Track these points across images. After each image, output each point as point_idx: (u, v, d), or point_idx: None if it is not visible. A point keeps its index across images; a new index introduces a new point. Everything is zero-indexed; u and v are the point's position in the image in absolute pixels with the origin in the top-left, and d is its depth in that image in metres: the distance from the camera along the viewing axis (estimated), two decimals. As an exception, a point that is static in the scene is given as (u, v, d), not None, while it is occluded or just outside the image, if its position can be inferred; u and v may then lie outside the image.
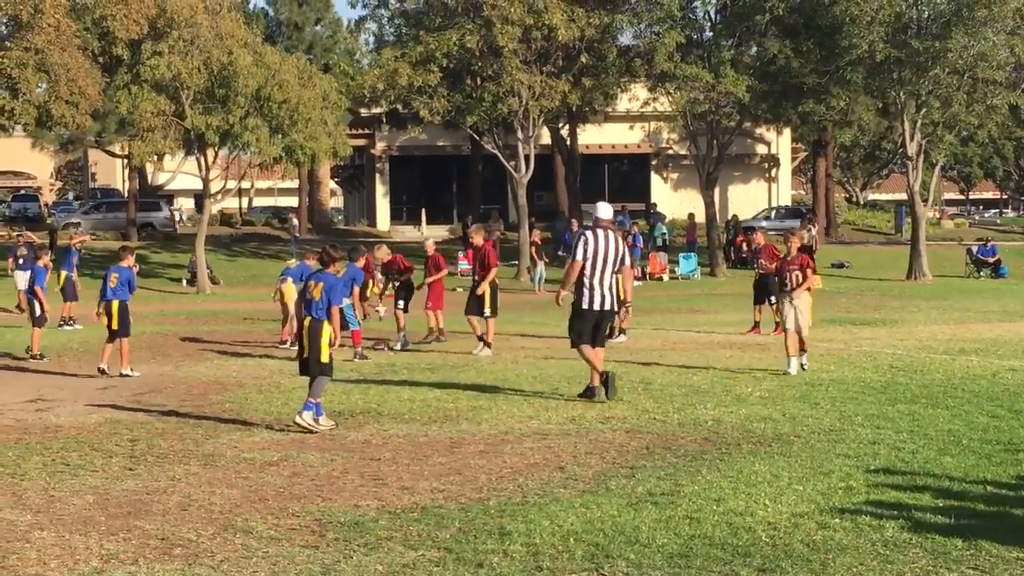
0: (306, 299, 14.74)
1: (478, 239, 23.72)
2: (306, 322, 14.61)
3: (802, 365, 18.91)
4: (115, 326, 20.43)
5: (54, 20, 41.99)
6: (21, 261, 37.34)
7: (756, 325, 25.97)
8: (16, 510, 10.41)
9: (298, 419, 14.14)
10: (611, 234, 16.15)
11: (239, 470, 12.04)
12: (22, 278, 36.95)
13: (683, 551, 8.81)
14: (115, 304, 20.53)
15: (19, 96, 43.01)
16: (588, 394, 16.21)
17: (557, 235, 52.76)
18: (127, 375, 19.92)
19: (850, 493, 10.51)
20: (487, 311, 22.72)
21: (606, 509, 10.01)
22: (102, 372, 20.03)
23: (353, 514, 10.09)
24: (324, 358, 14.42)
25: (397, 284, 24.68)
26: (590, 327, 16.14)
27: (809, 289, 19.24)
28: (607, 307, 16.17)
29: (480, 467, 12.02)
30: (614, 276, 16.20)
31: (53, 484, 11.46)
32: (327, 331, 14.44)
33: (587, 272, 15.93)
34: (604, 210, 16.49)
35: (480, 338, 22.64)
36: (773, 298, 23.65)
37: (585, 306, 16.03)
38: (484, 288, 22.78)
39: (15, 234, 43.67)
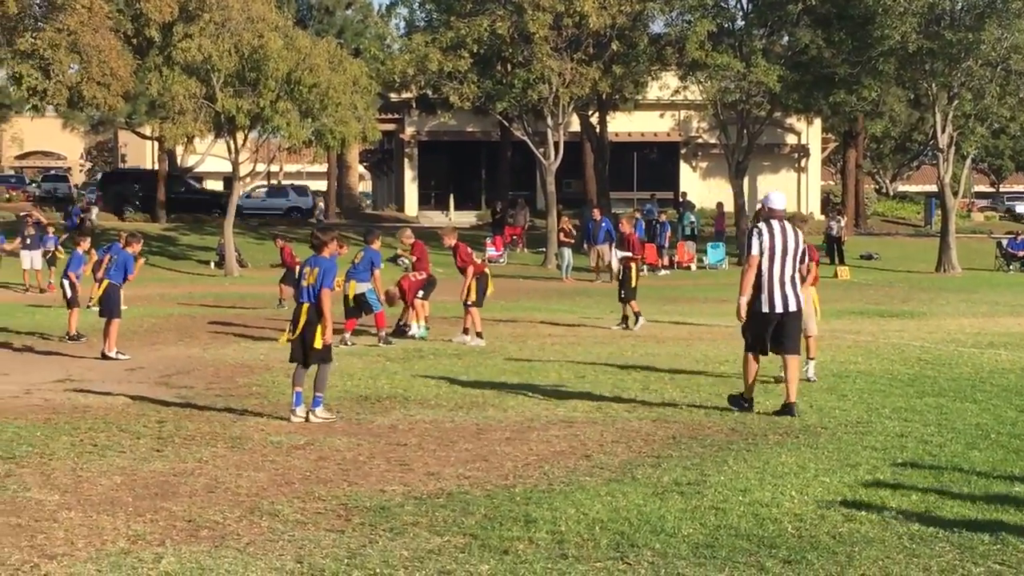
0: (302, 285, 14.48)
1: (450, 240, 23.05)
2: (303, 308, 14.34)
3: (808, 377, 16.86)
4: (98, 305, 20.80)
5: (87, 1, 42.11)
6: (28, 241, 37.52)
7: None
8: (44, 490, 10.46)
9: (312, 418, 14.03)
10: (788, 225, 14.31)
11: (266, 453, 12.08)
12: (27, 257, 37.18)
13: (709, 541, 8.80)
14: (104, 284, 20.90)
15: (51, 77, 43.12)
16: (738, 404, 14.42)
17: (585, 222, 52.71)
18: (111, 357, 19.96)
19: (877, 486, 10.48)
20: (469, 301, 22.42)
21: (632, 498, 10.01)
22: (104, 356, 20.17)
23: (379, 499, 10.11)
24: (318, 344, 14.14)
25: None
26: (766, 333, 14.22)
27: (814, 283, 18.02)
28: (791, 308, 14.15)
29: (506, 454, 12.03)
30: (797, 273, 14.30)
31: (81, 464, 11.51)
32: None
33: (764, 269, 14.08)
34: (778, 199, 14.54)
35: (465, 330, 22.46)
36: None
37: (765, 308, 14.11)
38: (471, 293, 22.43)
39: (22, 214, 43.80)
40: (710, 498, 10.02)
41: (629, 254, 25.59)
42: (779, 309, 14.11)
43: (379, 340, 21.78)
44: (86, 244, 25.50)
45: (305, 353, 14.30)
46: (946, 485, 10.51)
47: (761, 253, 14.07)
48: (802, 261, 14.46)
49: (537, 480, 10.83)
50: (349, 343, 21.75)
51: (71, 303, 23.08)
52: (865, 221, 69.42)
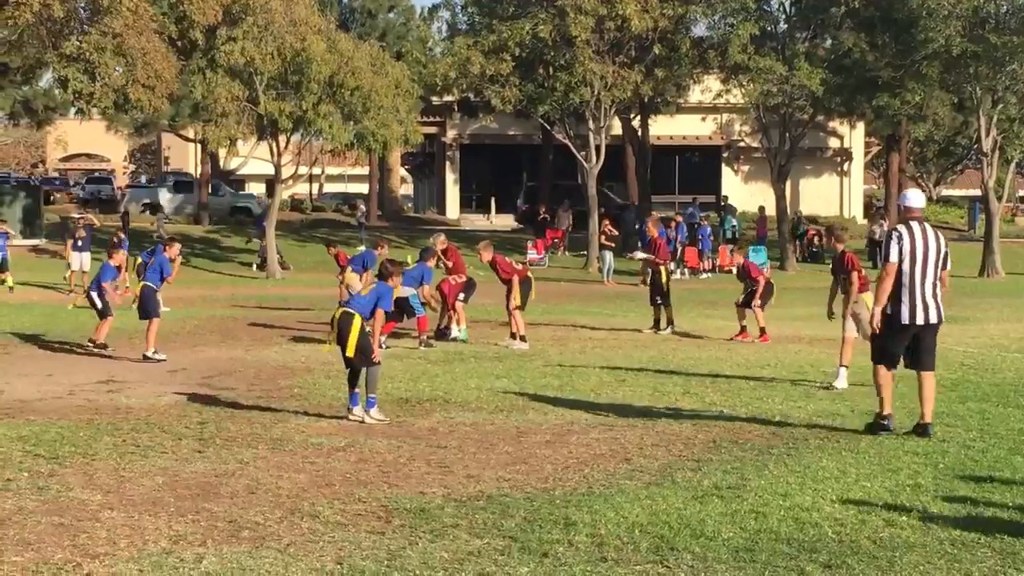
0: (352, 293, 14.89)
1: (487, 256, 23.10)
2: (338, 312, 14.64)
3: (834, 385, 16.77)
4: (136, 306, 21.12)
5: (132, 4, 42.28)
6: (79, 243, 37.76)
7: (743, 330, 24.74)
8: (87, 490, 10.53)
9: (367, 419, 14.15)
10: (928, 227, 13.07)
11: (306, 455, 12.12)
12: (77, 259, 37.38)
13: (749, 545, 8.79)
14: (140, 287, 21.24)
15: (97, 80, 43.34)
16: (879, 428, 13.13)
17: (626, 226, 52.63)
18: (150, 358, 20.08)
19: (918, 491, 10.44)
20: (513, 306, 22.52)
21: (672, 501, 10.00)
22: (146, 358, 20.32)
23: (419, 501, 10.13)
24: (350, 352, 14.34)
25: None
26: (901, 346, 13.09)
27: (863, 289, 17.66)
28: (932, 319, 12.97)
29: (546, 457, 12.04)
30: (939, 280, 13.03)
31: (123, 465, 11.59)
32: (358, 324, 14.33)
33: (905, 276, 12.85)
34: (915, 198, 13.22)
35: (512, 334, 22.54)
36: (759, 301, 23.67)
37: (905, 320, 12.88)
38: (515, 298, 22.60)
39: (76, 216, 44.04)
40: (750, 502, 10.00)
41: (651, 256, 25.85)
42: (920, 321, 12.93)
43: (420, 343, 21.82)
44: (118, 258, 25.24)
45: (347, 358, 14.51)
46: (988, 491, 10.46)
47: (902, 259, 12.84)
48: (943, 267, 13.08)
49: (577, 483, 10.83)
50: (384, 345, 21.83)
51: (102, 313, 22.95)
52: (908, 225, 68.99)
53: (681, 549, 8.69)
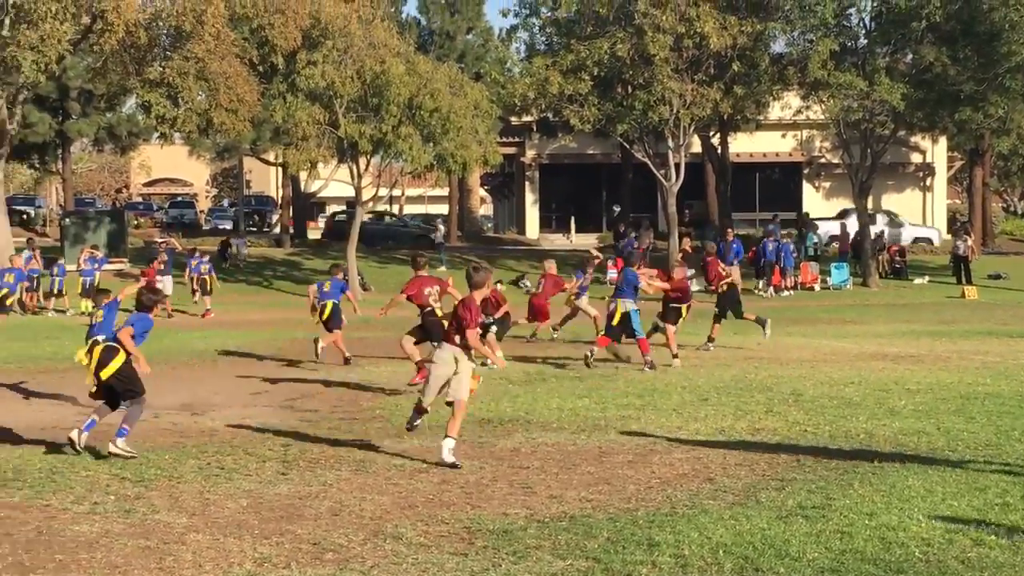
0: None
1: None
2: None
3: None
4: (326, 318, 23.50)
5: (215, 30, 42.74)
6: (162, 267, 38.23)
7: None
8: (173, 512, 10.63)
9: (111, 447, 13.34)
10: None
11: (389, 476, 12.16)
12: (160, 283, 37.75)
13: (834, 566, 8.71)
14: (328, 304, 23.46)
15: (180, 104, 43.83)
16: None
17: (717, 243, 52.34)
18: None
19: (1007, 510, 10.30)
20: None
21: (756, 522, 9.93)
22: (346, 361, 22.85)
23: (502, 522, 10.13)
24: (106, 377, 13.89)
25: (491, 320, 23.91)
26: None
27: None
28: None
29: (628, 477, 12.00)
30: None
31: (208, 487, 11.68)
32: (121, 357, 13.95)
33: None
34: None
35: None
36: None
37: None
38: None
39: (159, 241, 44.47)
40: (835, 522, 9.91)
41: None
42: None
43: (645, 365, 21.15)
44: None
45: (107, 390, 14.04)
46: (1078, 509, 10.31)
47: None
48: None
49: (660, 503, 10.79)
50: (592, 363, 21.55)
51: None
52: (993, 240, 68.30)
53: (766, 570, 8.63)
